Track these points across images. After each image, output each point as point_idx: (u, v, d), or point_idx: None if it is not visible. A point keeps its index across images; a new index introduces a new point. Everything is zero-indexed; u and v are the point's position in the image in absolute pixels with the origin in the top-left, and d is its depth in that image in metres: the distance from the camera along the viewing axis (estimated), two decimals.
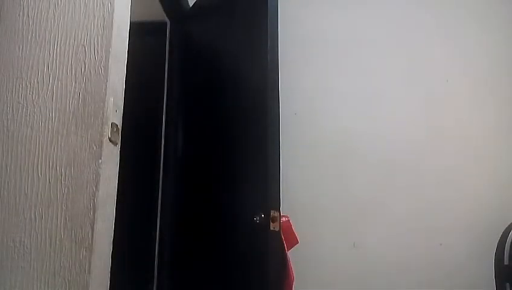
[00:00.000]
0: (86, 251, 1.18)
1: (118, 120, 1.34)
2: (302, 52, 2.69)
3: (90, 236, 1.19)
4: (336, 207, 2.50)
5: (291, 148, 2.48)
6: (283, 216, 1.82)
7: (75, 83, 1.29)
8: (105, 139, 1.26)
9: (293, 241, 1.99)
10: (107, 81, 1.28)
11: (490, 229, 2.29)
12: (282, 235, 1.81)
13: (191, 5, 2.59)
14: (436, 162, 2.54)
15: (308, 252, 2.29)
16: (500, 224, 2.27)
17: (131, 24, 1.45)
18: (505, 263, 2.15)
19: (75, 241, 1.19)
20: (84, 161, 1.24)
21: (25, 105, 1.29)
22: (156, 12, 2.49)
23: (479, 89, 2.65)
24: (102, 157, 1.24)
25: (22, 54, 1.33)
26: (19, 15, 1.35)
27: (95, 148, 1.24)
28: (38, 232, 1.21)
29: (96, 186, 1.22)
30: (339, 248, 2.46)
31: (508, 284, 2.12)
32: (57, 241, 1.20)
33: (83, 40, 1.32)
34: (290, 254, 1.93)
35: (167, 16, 2.54)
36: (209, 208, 2.13)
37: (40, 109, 1.28)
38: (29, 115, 1.28)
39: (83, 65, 1.30)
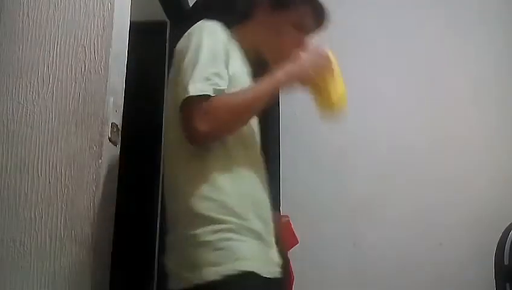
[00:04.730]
0: (86, 251, 1.18)
1: (118, 120, 1.34)
2: None
3: (90, 236, 1.19)
4: (335, 207, 2.50)
5: (291, 148, 2.48)
6: (283, 216, 1.82)
7: (75, 83, 1.29)
8: (105, 139, 1.26)
9: (293, 241, 1.99)
10: (107, 81, 1.28)
11: (490, 229, 2.28)
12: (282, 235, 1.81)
13: (191, 5, 2.59)
14: (436, 162, 2.54)
15: (308, 252, 2.29)
16: (500, 224, 2.26)
17: (131, 24, 1.45)
18: (505, 263, 2.14)
19: (75, 241, 1.19)
20: (84, 161, 1.24)
21: (25, 105, 1.29)
22: (156, 13, 2.48)
23: (479, 89, 2.65)
24: (102, 158, 1.24)
25: (22, 54, 1.32)
26: (19, 15, 1.35)
27: (95, 148, 1.24)
28: (38, 232, 1.20)
29: (96, 186, 1.22)
30: (339, 248, 2.46)
31: (508, 284, 2.12)
32: (57, 241, 1.19)
33: (82, 40, 1.32)
34: (290, 254, 1.93)
35: (167, 16, 2.54)
36: None
37: (40, 109, 1.28)
38: (29, 115, 1.28)
39: (83, 65, 1.30)
